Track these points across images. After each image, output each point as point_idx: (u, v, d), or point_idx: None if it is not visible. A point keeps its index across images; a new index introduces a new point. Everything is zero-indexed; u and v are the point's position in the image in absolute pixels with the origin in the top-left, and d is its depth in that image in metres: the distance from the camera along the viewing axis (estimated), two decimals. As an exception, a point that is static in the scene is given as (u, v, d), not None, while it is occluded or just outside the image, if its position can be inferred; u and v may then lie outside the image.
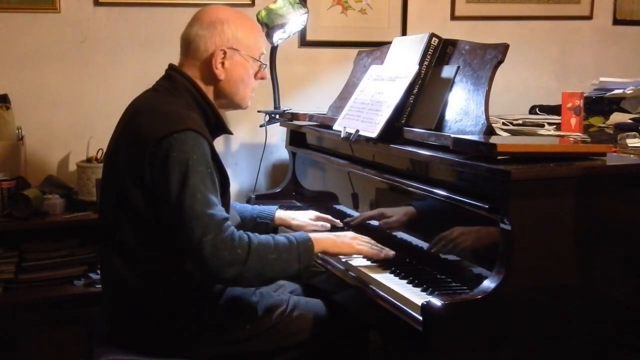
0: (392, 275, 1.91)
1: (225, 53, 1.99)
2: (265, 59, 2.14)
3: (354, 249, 2.00)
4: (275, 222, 2.35)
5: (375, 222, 2.24)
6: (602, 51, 3.73)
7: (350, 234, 2.06)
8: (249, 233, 1.83)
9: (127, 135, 1.91)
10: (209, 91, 2.02)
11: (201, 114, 1.97)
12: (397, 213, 2.14)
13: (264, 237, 1.85)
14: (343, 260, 2.06)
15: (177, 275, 1.89)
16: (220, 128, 2.05)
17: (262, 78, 2.11)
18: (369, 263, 2.01)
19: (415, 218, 2.06)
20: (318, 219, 2.33)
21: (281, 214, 2.36)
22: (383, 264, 1.99)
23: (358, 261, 2.03)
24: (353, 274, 1.99)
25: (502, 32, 3.52)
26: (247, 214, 2.33)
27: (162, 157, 1.80)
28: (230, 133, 2.12)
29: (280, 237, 1.88)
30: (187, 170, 1.78)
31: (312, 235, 1.94)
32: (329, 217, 2.35)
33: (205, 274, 1.81)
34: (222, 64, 1.99)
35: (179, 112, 1.90)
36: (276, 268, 1.82)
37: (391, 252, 2.01)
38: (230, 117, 2.94)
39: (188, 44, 2.01)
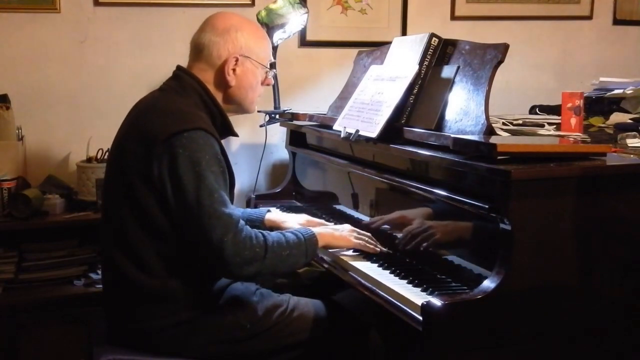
0: (392, 275, 1.91)
1: (237, 60, 2.01)
2: (272, 66, 2.17)
3: (352, 243, 2.08)
4: (265, 225, 2.32)
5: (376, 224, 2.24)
6: (602, 51, 3.73)
7: (348, 227, 2.13)
8: (262, 231, 1.90)
9: (134, 134, 1.91)
10: (218, 96, 2.04)
11: (208, 114, 1.99)
12: (397, 214, 2.14)
13: (275, 234, 1.92)
14: (343, 258, 2.06)
15: (179, 275, 1.89)
16: (226, 130, 2.07)
17: (268, 84, 2.16)
18: (364, 260, 2.04)
19: (415, 219, 2.06)
20: (308, 223, 2.28)
21: (271, 217, 2.34)
22: (383, 264, 1.99)
23: (360, 263, 2.03)
24: (353, 274, 1.99)
25: (502, 32, 3.52)
26: None
27: (172, 155, 1.81)
28: (236, 135, 2.13)
29: (288, 234, 1.95)
30: (202, 170, 1.80)
31: (315, 230, 2.02)
32: (321, 220, 2.32)
33: (224, 272, 1.88)
34: (234, 70, 2.02)
35: (189, 111, 1.92)
36: (288, 263, 1.91)
37: (384, 249, 2.09)
38: (230, 116, 2.94)
39: (200, 50, 2.02)
